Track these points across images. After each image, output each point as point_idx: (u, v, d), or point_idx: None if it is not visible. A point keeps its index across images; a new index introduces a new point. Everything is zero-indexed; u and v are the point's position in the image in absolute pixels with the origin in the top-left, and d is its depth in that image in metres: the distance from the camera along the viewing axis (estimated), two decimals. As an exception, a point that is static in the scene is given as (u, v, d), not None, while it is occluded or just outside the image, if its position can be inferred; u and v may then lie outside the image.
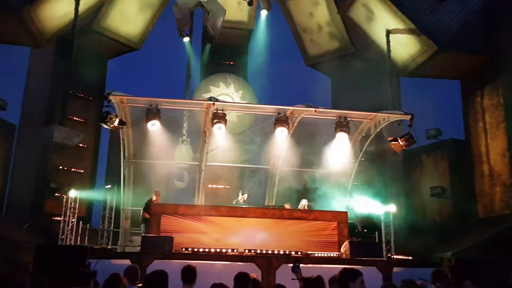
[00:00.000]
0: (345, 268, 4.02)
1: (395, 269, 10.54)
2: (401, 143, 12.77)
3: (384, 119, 13.35)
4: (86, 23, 17.05)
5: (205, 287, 5.33)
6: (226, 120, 12.45)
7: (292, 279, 5.30)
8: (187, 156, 15.61)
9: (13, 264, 13.03)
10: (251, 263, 10.03)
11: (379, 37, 16.67)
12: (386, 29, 16.12)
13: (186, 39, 17.75)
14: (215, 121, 12.32)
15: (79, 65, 15.80)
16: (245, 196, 13.54)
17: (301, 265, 5.43)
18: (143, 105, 12.61)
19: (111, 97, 11.61)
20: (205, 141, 13.26)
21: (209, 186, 15.97)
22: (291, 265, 5.39)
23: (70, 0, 14.94)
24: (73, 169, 17.74)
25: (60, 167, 17.33)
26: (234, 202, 13.60)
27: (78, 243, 13.69)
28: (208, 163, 13.99)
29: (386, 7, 15.66)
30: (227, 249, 10.87)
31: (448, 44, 15.22)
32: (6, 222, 15.04)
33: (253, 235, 11.76)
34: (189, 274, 5.05)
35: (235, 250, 10.84)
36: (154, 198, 12.72)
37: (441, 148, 16.90)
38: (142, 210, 12.61)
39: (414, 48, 16.02)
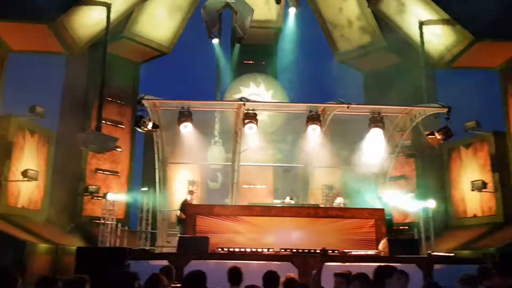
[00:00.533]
0: (380, 265, 3.93)
1: (436, 266, 10.25)
2: (439, 137, 12.44)
3: (420, 113, 13.04)
4: (117, 29, 17.42)
5: (241, 287, 5.32)
6: (257, 119, 12.43)
7: (312, 268, 5.21)
8: (220, 157, 15.72)
9: (56, 267, 13.45)
10: (288, 262, 9.96)
11: (412, 29, 16.28)
12: (419, 21, 15.73)
13: (215, 41, 17.89)
14: (246, 121, 12.33)
15: (113, 70, 16.16)
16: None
17: (339, 263, 5.35)
18: (175, 108, 12.75)
19: (143, 101, 11.81)
20: (237, 141, 13.30)
21: (243, 186, 15.99)
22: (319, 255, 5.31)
23: (101, 8, 15.28)
24: (110, 173, 18.20)
25: (98, 171, 17.81)
26: (279, 202, 13.60)
27: (117, 244, 13.99)
28: (241, 163, 14.01)
29: (418, -3, 15.28)
30: (263, 248, 10.84)
31: (484, 33, 14.67)
32: (49, 226, 15.51)
33: (288, 234, 11.69)
34: (236, 275, 5.08)
35: (271, 250, 10.81)
36: (188, 198, 12.83)
37: (480, 140, 16.35)
38: (178, 211, 12.73)
39: (449, 39, 15.57)
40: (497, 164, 15.71)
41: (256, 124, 12.39)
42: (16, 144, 14.73)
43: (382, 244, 11.34)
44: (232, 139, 13.87)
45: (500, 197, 15.39)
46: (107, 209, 14.48)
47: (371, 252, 11.35)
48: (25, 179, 14.38)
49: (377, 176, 14.72)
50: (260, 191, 17.25)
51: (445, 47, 15.95)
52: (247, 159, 14.13)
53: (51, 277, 4.36)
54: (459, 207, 16.71)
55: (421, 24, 15.74)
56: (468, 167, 16.56)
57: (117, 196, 15.11)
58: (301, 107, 13.17)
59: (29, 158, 15.22)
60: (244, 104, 12.12)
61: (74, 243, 14.73)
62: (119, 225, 14.59)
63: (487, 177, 15.75)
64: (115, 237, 14.22)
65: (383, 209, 12.72)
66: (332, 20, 19.25)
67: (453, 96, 15.48)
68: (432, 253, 11.75)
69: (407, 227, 16.57)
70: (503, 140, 15.76)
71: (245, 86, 18.93)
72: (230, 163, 14.44)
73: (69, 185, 16.88)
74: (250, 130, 12.57)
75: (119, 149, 18.32)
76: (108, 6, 15.26)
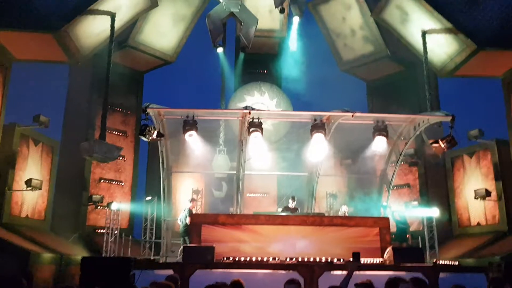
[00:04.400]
0: (389, 277, 3.91)
1: (441, 275, 10.23)
2: (443, 145, 12.43)
3: (423, 122, 13.05)
4: (121, 39, 17.53)
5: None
6: (262, 128, 12.42)
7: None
8: (225, 165, 15.71)
9: (60, 277, 13.40)
10: (293, 272, 9.93)
11: (415, 39, 16.37)
12: (422, 30, 15.80)
13: (220, 50, 18.01)
14: (251, 129, 12.31)
15: (116, 80, 16.21)
16: (294, 203, 13.34)
17: (343, 272, 5.31)
18: (180, 117, 12.73)
19: (149, 110, 11.80)
20: (242, 150, 13.29)
21: (247, 195, 15.97)
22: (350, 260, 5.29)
23: (106, 18, 15.36)
24: (114, 182, 18.20)
25: (102, 180, 17.81)
26: (280, 210, 13.55)
27: (121, 254, 13.94)
28: (245, 172, 14.00)
29: (421, 7, 15.35)
30: (268, 257, 10.81)
31: (487, 42, 14.74)
32: (52, 236, 15.48)
33: (293, 243, 11.66)
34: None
35: (277, 259, 10.77)
36: (191, 205, 12.86)
37: (483, 149, 16.37)
38: (186, 216, 12.52)
39: (451, 48, 15.64)
40: (501, 172, 15.72)
41: (261, 132, 12.37)
42: (20, 153, 14.75)
43: (387, 253, 11.33)
44: (237, 147, 13.87)
45: (504, 205, 15.39)
46: (111, 219, 14.46)
47: (376, 260, 11.32)
48: (29, 188, 14.36)
49: (381, 184, 14.72)
50: (264, 200, 17.24)
51: (448, 56, 16.02)
52: (251, 167, 14.12)
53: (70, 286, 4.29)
54: (462, 215, 16.71)
55: (424, 33, 15.81)
56: (472, 175, 16.58)
57: (121, 206, 15.08)
58: (306, 116, 13.15)
59: (33, 167, 15.23)
60: (249, 112, 12.11)
61: (78, 252, 14.70)
62: (123, 234, 14.55)
63: (491, 186, 15.76)
64: (119, 247, 14.18)
65: (387, 218, 12.73)
66: (335, 29, 19.38)
67: (456, 104, 15.51)
68: (437, 262, 11.72)
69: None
70: (506, 149, 15.78)
71: (250, 94, 19.01)
72: (234, 172, 14.43)
73: (73, 194, 16.88)
74: (255, 138, 12.57)
75: (123, 158, 18.36)
76: (112, 16, 15.34)
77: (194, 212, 12.91)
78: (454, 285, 5.05)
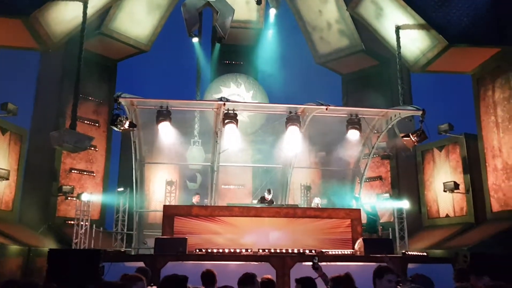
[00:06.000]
0: (379, 266, 3.96)
1: (410, 265, 10.44)
2: (413, 139, 12.64)
3: (395, 115, 13.23)
4: (94, 26, 17.15)
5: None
6: (237, 120, 12.36)
7: (315, 278, 5.22)
8: (199, 157, 15.61)
9: (28, 269, 13.11)
10: (266, 263, 9.98)
11: (389, 34, 16.57)
12: (396, 25, 16.00)
13: (195, 40, 17.84)
14: (226, 121, 12.23)
15: (89, 68, 15.85)
16: (270, 196, 13.33)
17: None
18: (153, 107, 12.54)
19: (120, 100, 11.56)
20: (217, 141, 13.20)
21: (222, 186, 15.93)
22: (311, 263, 5.31)
23: (78, 4, 15.00)
24: (85, 173, 17.87)
25: (73, 171, 17.46)
26: (255, 202, 13.57)
27: (92, 246, 13.73)
28: (220, 164, 13.94)
29: (395, 2, 15.54)
30: (241, 249, 10.83)
31: (458, 38, 15.06)
32: (20, 227, 15.11)
33: (266, 234, 11.72)
34: (209, 277, 5.04)
35: (249, 250, 10.79)
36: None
37: (453, 143, 16.76)
38: None
39: (424, 44, 15.89)
40: (469, 166, 16.15)
41: (236, 124, 12.29)
42: (-14, 142, 14.32)
43: (358, 244, 11.50)
44: (212, 139, 13.77)
45: (471, 198, 15.84)
46: (81, 210, 14.22)
47: (347, 251, 11.49)
48: (-4, 178, 13.99)
49: (353, 177, 14.90)
50: (239, 192, 17.25)
51: (420, 51, 16.27)
52: (226, 159, 14.05)
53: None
54: (431, 207, 17.11)
55: (398, 28, 16.02)
56: (441, 168, 16.97)
57: (92, 197, 14.84)
58: (281, 108, 13.16)
59: (0, 157, 14.81)
60: (224, 104, 12.02)
61: (47, 244, 14.39)
62: (94, 226, 14.33)
63: (459, 179, 16.17)
64: (89, 239, 13.97)
65: (359, 209, 12.90)
66: (311, 22, 19.44)
67: (428, 99, 15.78)
68: (406, 253, 11.99)
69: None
70: (474, 143, 16.19)
71: (226, 86, 18.90)
72: (209, 164, 14.34)
73: (42, 185, 16.51)
74: (230, 130, 12.51)
75: (94, 149, 18.04)
76: (84, 2, 14.99)
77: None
78: (416, 274, 5.15)
